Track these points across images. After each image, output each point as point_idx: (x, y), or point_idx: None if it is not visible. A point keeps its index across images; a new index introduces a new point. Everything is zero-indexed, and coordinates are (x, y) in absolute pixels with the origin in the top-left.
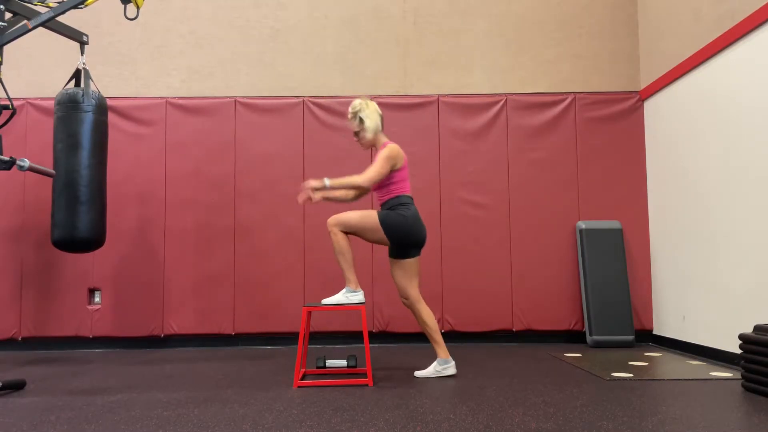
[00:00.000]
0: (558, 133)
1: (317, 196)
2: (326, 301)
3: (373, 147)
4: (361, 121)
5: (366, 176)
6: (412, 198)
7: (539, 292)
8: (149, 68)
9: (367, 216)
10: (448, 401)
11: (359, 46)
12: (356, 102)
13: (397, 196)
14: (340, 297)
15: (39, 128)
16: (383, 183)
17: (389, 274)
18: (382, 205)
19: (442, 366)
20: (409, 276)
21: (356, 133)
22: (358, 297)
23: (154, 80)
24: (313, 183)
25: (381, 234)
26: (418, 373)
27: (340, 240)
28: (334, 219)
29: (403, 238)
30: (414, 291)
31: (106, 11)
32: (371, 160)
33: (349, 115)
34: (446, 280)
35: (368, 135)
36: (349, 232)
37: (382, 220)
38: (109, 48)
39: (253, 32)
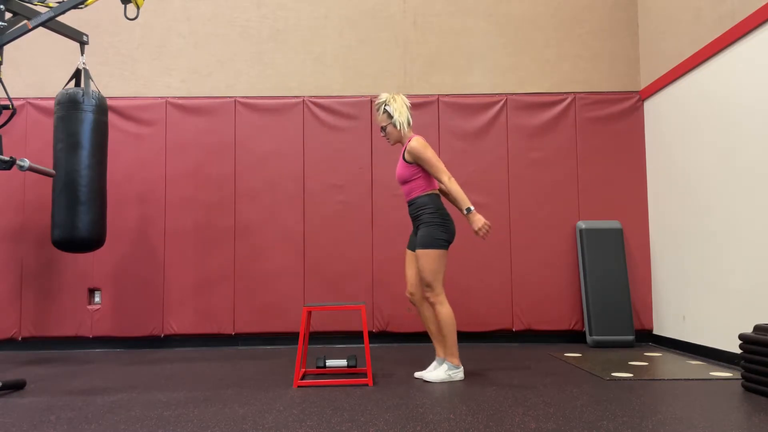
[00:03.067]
0: (558, 133)
1: (482, 223)
2: (428, 378)
3: (399, 143)
4: (389, 115)
5: (446, 176)
6: (439, 195)
7: (539, 292)
8: (149, 68)
9: (429, 255)
10: (448, 401)
11: (359, 46)
12: (383, 95)
13: (427, 195)
14: (442, 374)
15: (39, 128)
16: (410, 177)
17: (389, 274)
18: (411, 202)
19: (453, 371)
20: (444, 266)
21: (383, 128)
22: (460, 374)
23: (154, 80)
24: (480, 219)
25: (445, 250)
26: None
27: (446, 311)
28: (429, 288)
29: (449, 240)
30: (439, 286)
31: (106, 11)
32: (371, 156)
33: (376, 108)
34: (446, 280)
35: (398, 129)
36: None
37: (435, 245)
38: (109, 48)
39: (253, 32)
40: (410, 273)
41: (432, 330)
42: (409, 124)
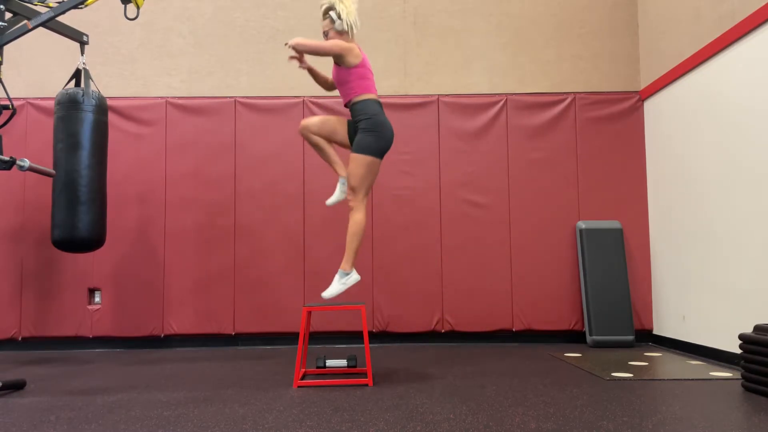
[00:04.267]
0: (558, 133)
1: (307, 63)
2: (325, 295)
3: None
4: (332, 19)
5: (316, 43)
6: (378, 101)
7: (539, 292)
8: (149, 68)
9: (361, 160)
10: (448, 401)
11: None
12: None
13: (363, 101)
14: (337, 287)
15: (39, 128)
16: (342, 80)
17: (389, 274)
18: (348, 106)
19: (345, 278)
20: (374, 174)
21: (325, 33)
22: (353, 278)
23: (154, 80)
24: (297, 41)
25: (378, 159)
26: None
27: (359, 218)
28: (352, 191)
29: (385, 148)
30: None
31: (106, 11)
32: None
33: (321, 11)
34: (446, 280)
35: (337, 28)
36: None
37: (367, 151)
38: (109, 48)
39: (253, 32)
40: (327, 123)
41: (326, 158)
42: (349, 29)
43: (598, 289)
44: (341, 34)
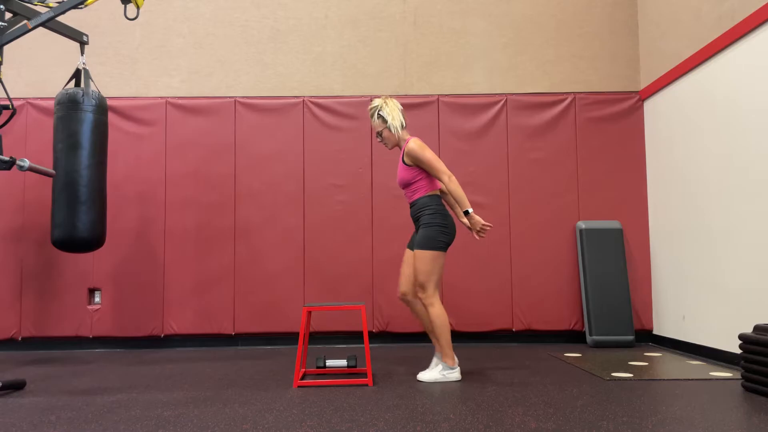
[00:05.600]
0: (558, 133)
1: (482, 225)
2: (423, 378)
3: (397, 146)
4: (383, 119)
5: (447, 176)
6: (440, 196)
7: (539, 292)
8: (149, 68)
9: (426, 256)
10: (448, 401)
11: (359, 46)
12: (376, 101)
13: (428, 197)
14: (437, 374)
15: (39, 128)
16: (411, 180)
17: (389, 274)
18: (413, 204)
19: (448, 371)
20: (441, 268)
21: (379, 133)
22: (455, 375)
23: (154, 80)
24: (480, 221)
25: (443, 252)
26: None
27: (439, 311)
28: (421, 289)
29: (449, 242)
30: (431, 287)
31: (106, 11)
32: (371, 156)
33: (370, 114)
34: (446, 280)
35: (393, 133)
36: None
37: (436, 246)
38: (109, 48)
39: (253, 32)
40: (406, 272)
41: (428, 327)
42: (403, 126)
43: (598, 289)
44: (400, 130)
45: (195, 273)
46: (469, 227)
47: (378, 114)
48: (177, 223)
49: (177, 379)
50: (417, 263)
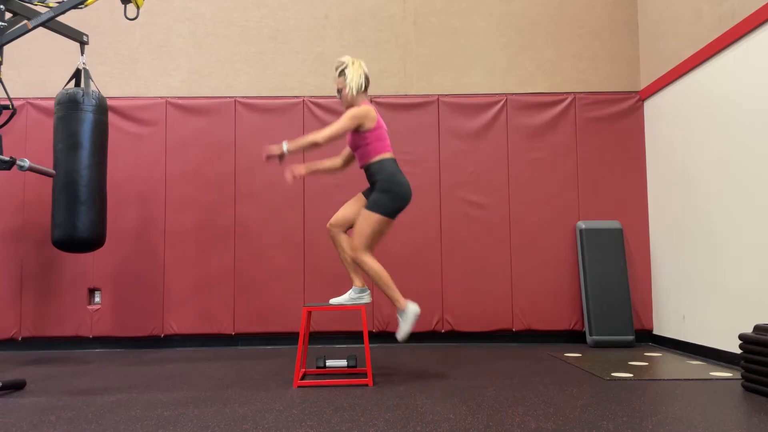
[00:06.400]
0: (558, 133)
1: (301, 171)
2: (334, 301)
3: (351, 107)
4: (344, 76)
5: (323, 133)
6: (394, 159)
7: (539, 292)
8: (149, 68)
9: (371, 218)
10: (448, 401)
11: (359, 46)
12: (345, 57)
13: (379, 161)
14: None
15: (39, 128)
16: (358, 144)
17: (389, 274)
18: (364, 168)
19: (357, 294)
20: (382, 233)
21: (339, 90)
22: (412, 310)
23: (154, 80)
24: (273, 149)
25: (388, 224)
26: (333, 300)
27: (373, 266)
28: (353, 249)
29: (401, 208)
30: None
31: (106, 11)
32: None
33: (336, 70)
34: (446, 280)
35: (348, 93)
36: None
37: (383, 212)
38: (109, 48)
39: (253, 32)
40: (347, 210)
41: (344, 258)
42: (360, 91)
43: (598, 289)
44: (357, 94)
45: (195, 273)
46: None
47: (342, 71)
48: (177, 223)
49: (177, 379)
50: (359, 222)
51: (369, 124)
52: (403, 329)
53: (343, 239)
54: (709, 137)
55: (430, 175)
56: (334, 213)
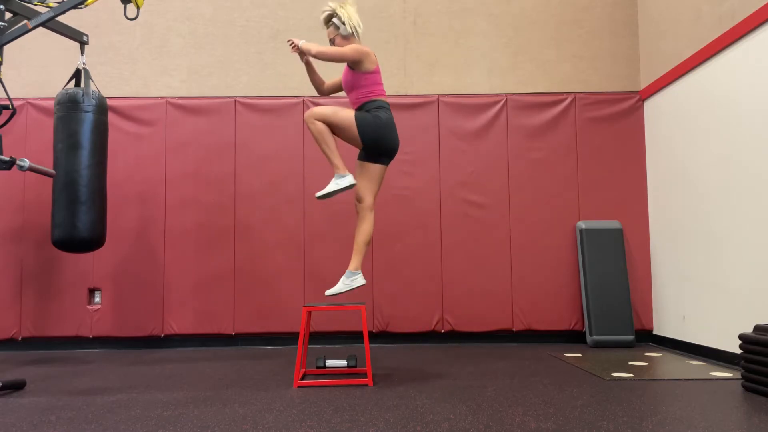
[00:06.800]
0: (558, 133)
1: (307, 49)
2: (330, 292)
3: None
4: (336, 26)
5: (329, 49)
6: (389, 104)
7: (539, 292)
8: (149, 68)
9: (343, 111)
10: (448, 401)
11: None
12: (330, 3)
13: (373, 99)
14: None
15: (39, 128)
16: (356, 85)
17: (389, 274)
18: (357, 108)
19: (350, 278)
20: (372, 181)
21: (331, 41)
22: (347, 180)
23: (154, 80)
24: (296, 40)
25: (354, 132)
26: (328, 292)
27: (318, 127)
28: (309, 112)
29: (375, 140)
30: (371, 198)
31: (106, 11)
32: None
33: (323, 22)
34: (446, 280)
35: (346, 32)
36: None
37: (357, 118)
38: (109, 48)
39: (253, 32)
40: (359, 184)
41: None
42: (358, 31)
43: (598, 289)
44: (348, 38)
45: (195, 273)
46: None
47: (331, 17)
48: (177, 223)
49: (177, 379)
50: (339, 110)
51: (369, 66)
52: (328, 189)
53: (370, 218)
54: (709, 137)
55: (430, 175)
56: (334, 213)
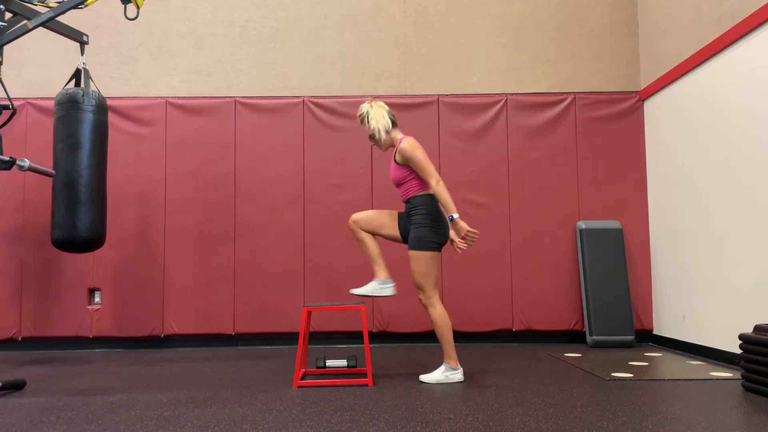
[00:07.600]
0: (558, 133)
1: (464, 229)
2: (356, 291)
3: (391, 146)
4: (368, 124)
5: (435, 179)
6: (432, 196)
7: (539, 292)
8: (149, 68)
9: (422, 257)
10: (448, 401)
11: (359, 46)
12: (363, 106)
13: (423, 195)
14: (439, 375)
15: (39, 128)
16: (403, 179)
17: (390, 274)
18: (407, 202)
19: (380, 285)
20: (437, 266)
21: (371, 137)
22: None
23: (154, 80)
24: (465, 227)
25: (437, 252)
26: (355, 290)
27: (440, 314)
28: (421, 293)
29: (442, 243)
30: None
31: (106, 11)
32: (371, 156)
33: (360, 121)
34: (446, 280)
35: (379, 136)
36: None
37: (430, 246)
38: (109, 48)
39: (253, 32)
40: (373, 215)
41: (369, 251)
42: (389, 128)
43: (598, 289)
44: (389, 132)
45: (195, 273)
46: (451, 239)
47: (364, 120)
48: (177, 223)
49: (177, 379)
50: (412, 265)
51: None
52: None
53: (364, 235)
54: (709, 137)
55: None
56: (334, 213)
